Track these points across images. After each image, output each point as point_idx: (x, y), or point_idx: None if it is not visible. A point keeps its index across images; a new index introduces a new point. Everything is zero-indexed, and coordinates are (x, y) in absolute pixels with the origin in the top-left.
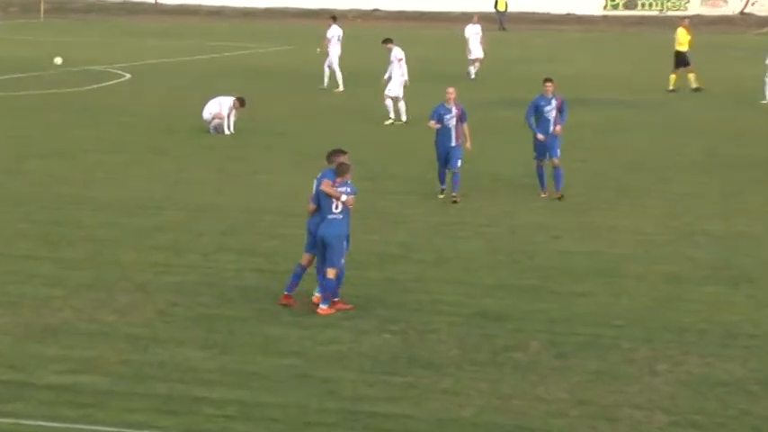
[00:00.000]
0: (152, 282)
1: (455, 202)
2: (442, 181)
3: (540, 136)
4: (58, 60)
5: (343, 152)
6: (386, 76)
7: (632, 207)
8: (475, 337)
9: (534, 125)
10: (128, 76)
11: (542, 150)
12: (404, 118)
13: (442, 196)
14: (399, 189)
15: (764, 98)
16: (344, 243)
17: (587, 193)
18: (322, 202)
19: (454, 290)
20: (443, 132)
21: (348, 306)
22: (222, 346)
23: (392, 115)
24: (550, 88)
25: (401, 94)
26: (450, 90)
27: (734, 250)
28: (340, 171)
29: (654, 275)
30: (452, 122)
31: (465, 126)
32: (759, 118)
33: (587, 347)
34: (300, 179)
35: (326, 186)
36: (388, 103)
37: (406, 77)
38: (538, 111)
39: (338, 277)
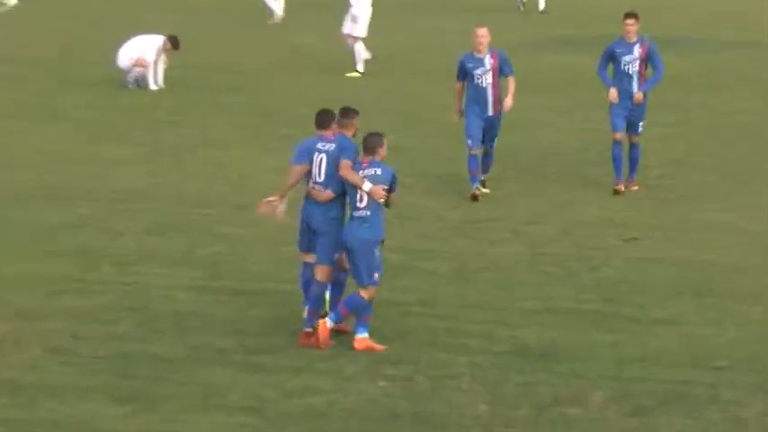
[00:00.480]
0: (44, 306)
1: (480, 191)
2: (473, 176)
3: (613, 94)
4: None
5: (355, 111)
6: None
7: (739, 195)
8: (511, 385)
9: (608, 81)
10: (13, 1)
11: (619, 119)
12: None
13: (481, 190)
14: (406, 170)
15: None
16: (377, 250)
17: (674, 175)
18: (348, 190)
19: (481, 316)
20: (475, 95)
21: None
22: (144, 399)
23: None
24: (632, 28)
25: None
26: (482, 32)
27: None
28: (368, 146)
29: None
30: (488, 79)
31: (510, 80)
32: None
33: (674, 400)
34: (258, 155)
35: (346, 169)
36: (358, 47)
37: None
38: (614, 61)
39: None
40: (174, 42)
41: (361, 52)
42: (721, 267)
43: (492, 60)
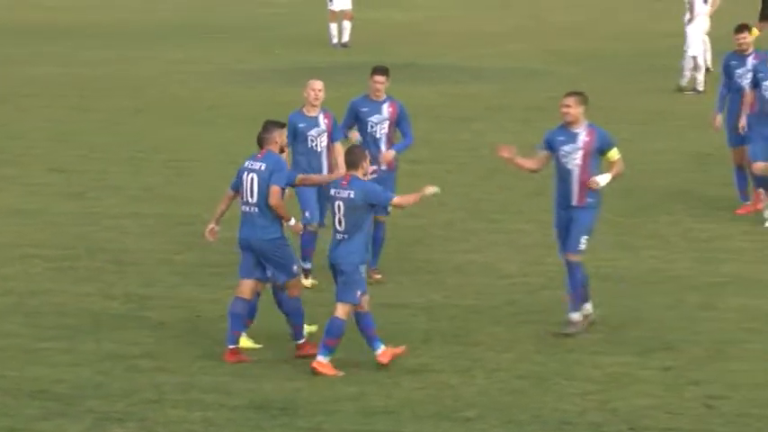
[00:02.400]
0: None
1: None
2: (305, 256)
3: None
4: None
5: (280, 125)
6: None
7: (488, 234)
8: None
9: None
10: None
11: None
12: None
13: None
14: (117, 209)
15: None
16: (362, 270)
17: (422, 215)
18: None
19: (216, 368)
20: (308, 161)
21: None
22: None
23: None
24: (381, 86)
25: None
26: (318, 85)
27: None
28: (350, 161)
29: None
30: (323, 142)
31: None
32: None
33: None
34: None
35: (276, 199)
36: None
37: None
38: (359, 121)
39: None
40: None
41: None
42: (470, 312)
43: (326, 120)
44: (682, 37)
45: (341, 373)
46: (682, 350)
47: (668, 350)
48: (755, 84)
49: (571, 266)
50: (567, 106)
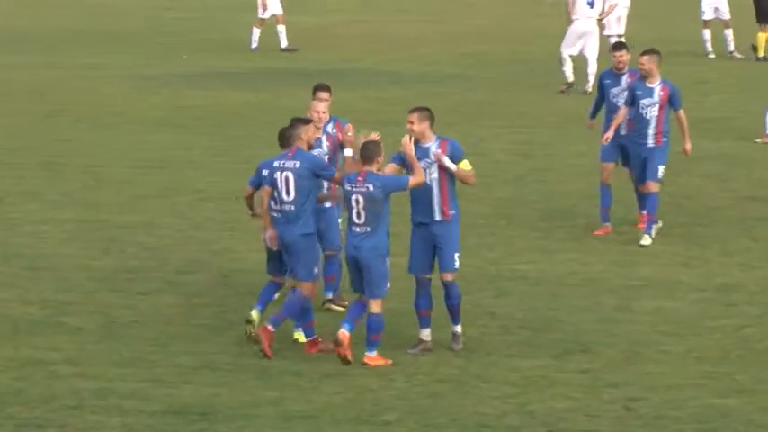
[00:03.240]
0: None
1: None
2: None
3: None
4: None
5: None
6: None
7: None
8: None
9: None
10: None
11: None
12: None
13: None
14: (39, 216)
15: None
16: (387, 261)
17: None
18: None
19: (134, 374)
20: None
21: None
22: None
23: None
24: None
25: None
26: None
27: None
28: (366, 155)
29: None
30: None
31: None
32: None
33: None
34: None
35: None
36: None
37: None
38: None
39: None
40: None
41: None
42: (390, 315)
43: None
44: None
45: (390, 362)
46: (599, 353)
47: (585, 353)
48: (632, 101)
49: (449, 286)
50: (411, 123)
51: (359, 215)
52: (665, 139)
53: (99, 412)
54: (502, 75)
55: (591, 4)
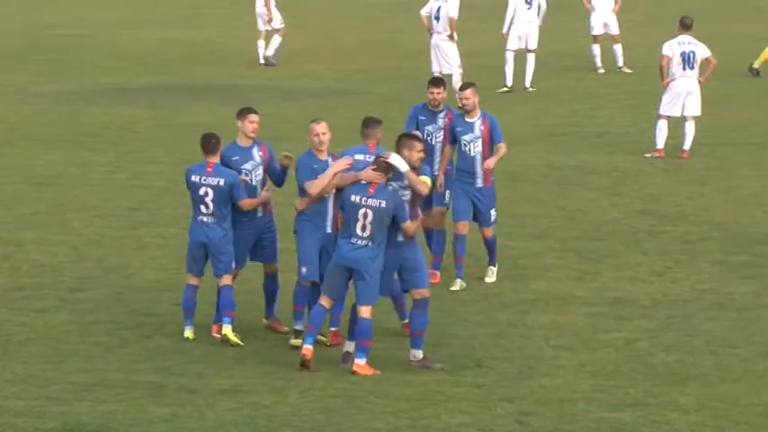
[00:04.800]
0: None
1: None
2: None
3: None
4: None
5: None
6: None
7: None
8: None
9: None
10: None
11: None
12: None
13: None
14: None
15: None
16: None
17: None
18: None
19: (28, 391)
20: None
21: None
22: None
23: None
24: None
25: None
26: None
27: None
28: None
29: None
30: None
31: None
32: None
33: None
34: None
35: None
36: None
37: None
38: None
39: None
40: None
41: None
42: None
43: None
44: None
45: (378, 372)
46: (493, 367)
47: (480, 367)
48: (453, 140)
49: (423, 303)
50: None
51: (364, 228)
52: (492, 178)
53: None
54: (392, 90)
55: (529, 4)
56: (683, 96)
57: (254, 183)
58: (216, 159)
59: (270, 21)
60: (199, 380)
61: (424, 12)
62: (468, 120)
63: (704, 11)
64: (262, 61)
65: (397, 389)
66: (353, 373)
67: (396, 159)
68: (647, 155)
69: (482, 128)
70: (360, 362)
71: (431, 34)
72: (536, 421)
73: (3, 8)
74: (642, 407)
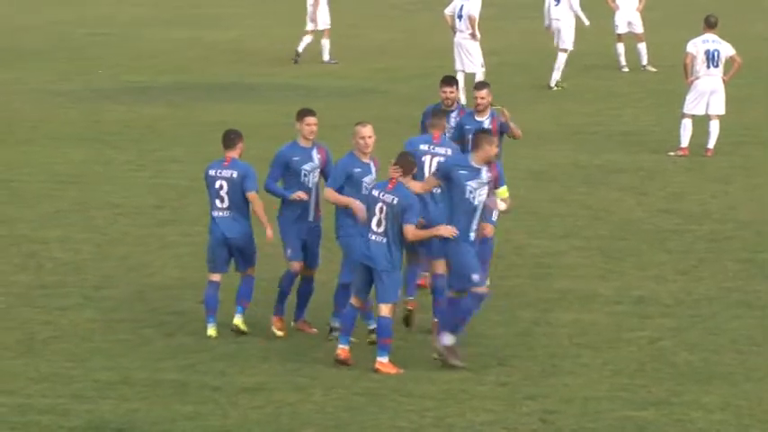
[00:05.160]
0: None
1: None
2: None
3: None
4: None
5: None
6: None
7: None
8: None
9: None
10: None
11: None
12: None
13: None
14: None
15: None
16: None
17: None
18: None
19: (53, 389)
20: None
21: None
22: None
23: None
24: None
25: None
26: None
27: None
28: (404, 164)
29: None
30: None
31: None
32: None
33: None
34: None
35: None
36: None
37: None
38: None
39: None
40: None
41: None
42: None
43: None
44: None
45: (402, 371)
46: (517, 366)
47: (503, 366)
48: (461, 136)
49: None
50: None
51: (379, 223)
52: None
53: (18, 428)
54: (414, 89)
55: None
56: (707, 95)
57: (309, 185)
58: (234, 154)
59: (314, 19)
60: (222, 378)
61: (447, 11)
62: (477, 119)
63: (727, 10)
64: (326, 58)
65: (421, 387)
66: (376, 371)
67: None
68: (672, 153)
69: (490, 126)
70: (382, 360)
71: (454, 33)
72: (560, 419)
73: (25, 6)
74: (665, 405)
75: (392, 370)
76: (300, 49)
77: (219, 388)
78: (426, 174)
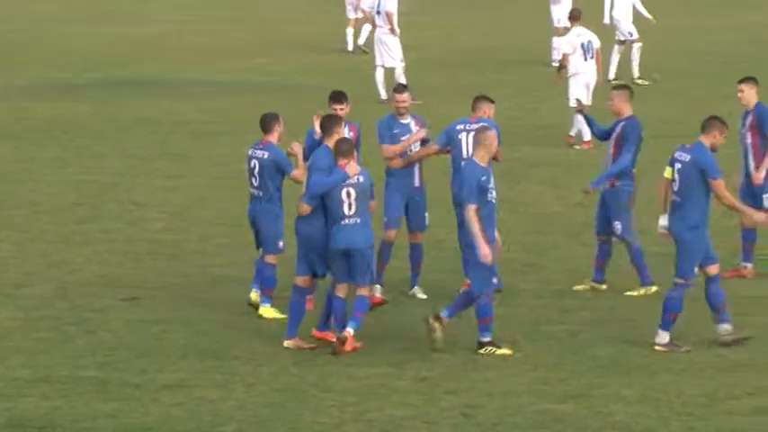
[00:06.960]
0: None
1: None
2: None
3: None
4: None
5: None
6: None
7: (238, 251)
8: None
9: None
10: None
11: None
12: None
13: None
14: None
15: None
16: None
17: (176, 229)
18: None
19: None
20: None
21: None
22: None
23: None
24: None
25: None
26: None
27: None
28: (340, 148)
29: None
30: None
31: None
32: None
33: None
34: None
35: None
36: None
37: None
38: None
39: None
40: None
41: None
42: (227, 326)
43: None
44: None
45: (359, 345)
46: (437, 360)
47: (424, 360)
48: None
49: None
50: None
51: (350, 207)
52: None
53: None
54: (343, 83)
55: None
56: (590, 86)
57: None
58: (272, 138)
59: (358, 8)
60: (142, 375)
61: (366, 6)
62: (402, 121)
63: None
64: (350, 48)
65: (342, 382)
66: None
67: None
68: (577, 147)
69: (416, 128)
70: (350, 330)
71: (374, 28)
72: (481, 413)
73: None
74: (585, 398)
75: (355, 345)
76: (362, 41)
77: (140, 385)
78: (464, 150)
